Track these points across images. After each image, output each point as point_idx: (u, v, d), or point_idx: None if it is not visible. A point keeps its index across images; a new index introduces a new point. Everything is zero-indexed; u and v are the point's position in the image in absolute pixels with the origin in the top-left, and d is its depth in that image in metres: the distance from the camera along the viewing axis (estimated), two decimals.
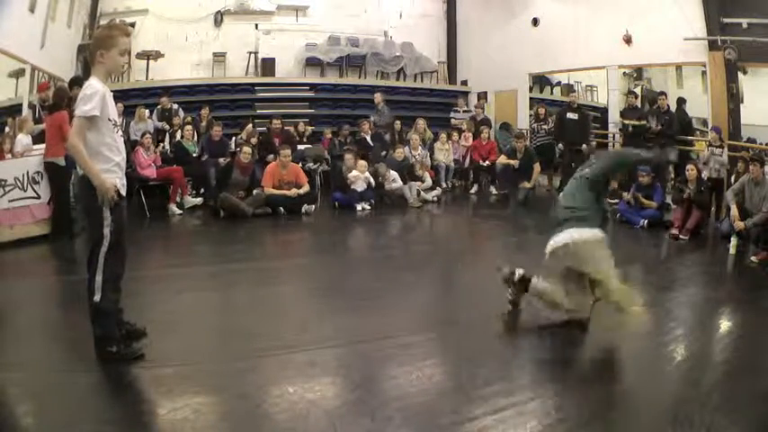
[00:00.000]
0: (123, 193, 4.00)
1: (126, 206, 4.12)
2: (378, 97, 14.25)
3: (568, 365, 4.26)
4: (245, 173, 10.26)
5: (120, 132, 4.04)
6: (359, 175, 10.80)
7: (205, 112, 12.69)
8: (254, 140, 11.73)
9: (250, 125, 12.60)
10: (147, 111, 12.33)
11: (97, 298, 3.88)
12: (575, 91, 13.04)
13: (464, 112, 15.40)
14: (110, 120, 3.88)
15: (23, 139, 8.71)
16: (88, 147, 3.80)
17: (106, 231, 3.85)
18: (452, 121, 15.18)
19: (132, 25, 14.34)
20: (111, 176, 3.85)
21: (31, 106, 9.53)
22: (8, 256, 7.23)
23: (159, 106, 12.71)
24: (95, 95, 3.77)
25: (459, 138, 13.92)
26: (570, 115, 12.38)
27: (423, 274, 7.01)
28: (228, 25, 15.71)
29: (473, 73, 17.49)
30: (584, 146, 12.05)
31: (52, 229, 7.98)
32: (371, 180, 10.96)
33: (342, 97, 15.91)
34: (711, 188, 9.53)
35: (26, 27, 10.34)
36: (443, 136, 13.47)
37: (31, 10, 10.35)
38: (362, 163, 11.07)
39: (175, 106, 12.81)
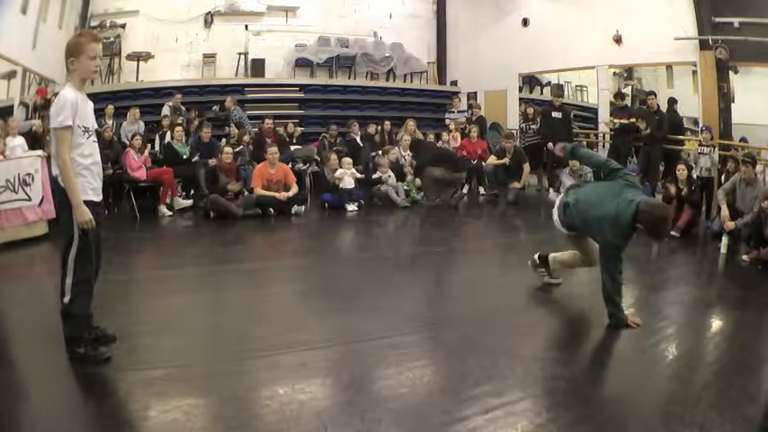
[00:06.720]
0: (97, 197, 4.06)
1: (105, 208, 4.13)
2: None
3: (559, 365, 4.25)
4: (230, 174, 10.27)
5: (94, 138, 4.11)
6: (345, 172, 10.80)
7: (190, 115, 12.65)
8: (246, 138, 11.69)
9: (236, 129, 12.57)
10: (138, 111, 12.26)
11: (66, 300, 3.93)
12: (561, 92, 13.05)
13: (459, 112, 15.31)
14: (80, 126, 3.94)
15: (13, 142, 8.66)
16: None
17: (76, 234, 3.88)
18: (447, 121, 15.07)
19: (123, 27, 14.35)
20: (80, 180, 3.91)
21: (24, 105, 9.46)
22: None
23: (172, 103, 12.75)
24: (66, 104, 3.85)
25: (449, 138, 13.85)
26: (555, 114, 12.43)
27: (413, 274, 7.01)
28: (218, 26, 15.64)
29: (463, 73, 17.49)
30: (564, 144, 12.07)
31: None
32: (358, 175, 11.00)
33: (331, 98, 15.88)
34: (702, 187, 9.54)
35: (18, 29, 10.29)
36: (432, 136, 13.42)
37: (23, 12, 10.30)
38: (347, 160, 11.08)
39: (183, 108, 12.80)
